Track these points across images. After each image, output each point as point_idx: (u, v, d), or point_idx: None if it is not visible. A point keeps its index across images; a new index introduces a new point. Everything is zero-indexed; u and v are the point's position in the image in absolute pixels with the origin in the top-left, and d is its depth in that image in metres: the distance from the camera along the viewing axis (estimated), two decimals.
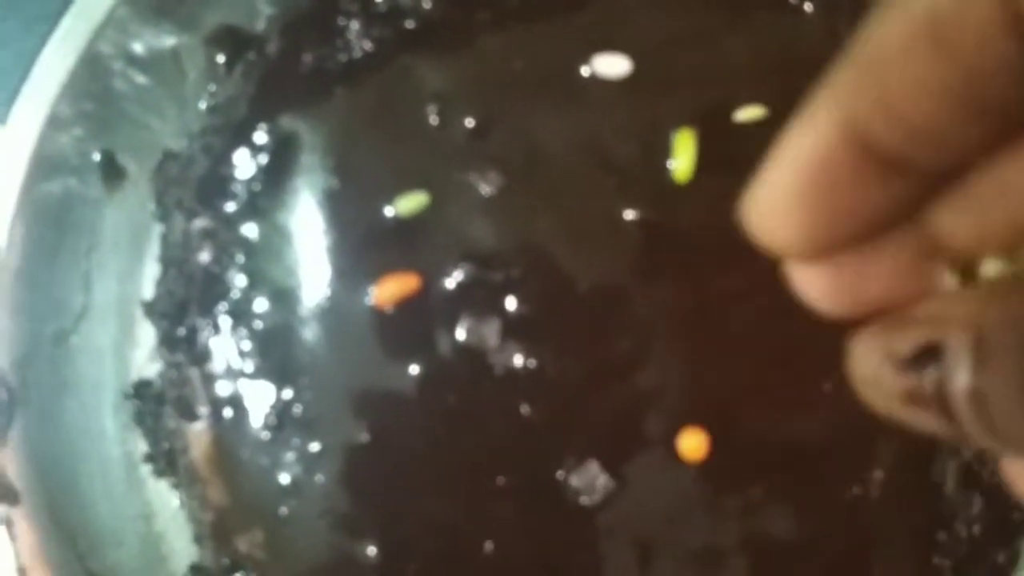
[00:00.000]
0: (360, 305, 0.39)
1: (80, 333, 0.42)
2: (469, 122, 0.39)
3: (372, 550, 0.38)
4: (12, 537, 0.38)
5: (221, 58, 0.42)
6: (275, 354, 0.40)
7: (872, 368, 0.17)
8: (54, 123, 0.40)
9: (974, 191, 0.16)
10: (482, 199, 0.39)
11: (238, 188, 0.41)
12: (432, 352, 0.38)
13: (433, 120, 0.40)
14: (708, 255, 0.38)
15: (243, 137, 0.41)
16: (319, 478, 0.39)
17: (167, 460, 0.42)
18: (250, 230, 0.40)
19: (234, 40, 0.42)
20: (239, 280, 0.40)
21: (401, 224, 0.39)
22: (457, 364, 0.38)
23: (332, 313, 0.39)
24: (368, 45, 0.41)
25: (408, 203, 0.39)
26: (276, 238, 0.40)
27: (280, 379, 0.40)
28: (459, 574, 0.39)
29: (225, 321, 0.40)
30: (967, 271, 0.17)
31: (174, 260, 0.42)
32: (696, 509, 0.38)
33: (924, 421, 0.16)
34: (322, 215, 0.40)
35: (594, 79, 0.39)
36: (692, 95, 0.39)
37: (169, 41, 0.42)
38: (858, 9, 0.39)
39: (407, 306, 0.39)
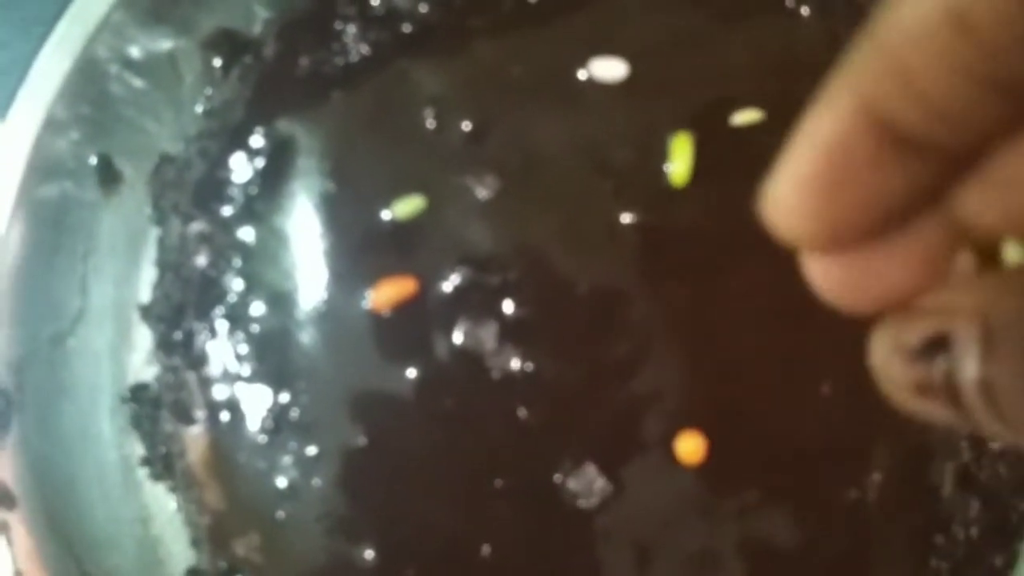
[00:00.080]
0: (357, 309, 0.39)
1: (77, 337, 0.42)
2: (466, 126, 0.39)
3: (370, 553, 0.38)
4: (9, 541, 0.38)
5: (217, 62, 0.42)
6: (272, 358, 0.40)
7: (883, 360, 0.16)
8: (51, 127, 0.40)
9: (997, 171, 0.16)
10: (479, 203, 0.39)
11: (235, 192, 0.41)
12: (429, 355, 0.38)
13: (430, 124, 0.40)
14: (705, 258, 0.38)
15: (240, 141, 0.41)
16: (316, 482, 0.39)
17: (164, 464, 0.42)
18: (247, 234, 0.40)
19: (230, 44, 0.42)
20: (236, 284, 0.40)
21: (398, 228, 0.39)
22: (454, 367, 0.38)
23: (329, 317, 0.39)
24: (365, 49, 0.41)
25: (405, 207, 0.39)
26: (273, 242, 0.40)
27: (277, 383, 0.40)
28: None
29: (222, 325, 0.40)
30: (988, 255, 0.17)
31: (171, 264, 0.42)
32: (693, 512, 0.38)
33: (935, 412, 0.16)
34: (319, 219, 0.40)
35: (591, 83, 0.39)
36: (689, 99, 0.39)
37: (165, 45, 0.42)
38: (855, 13, 0.39)
39: (404, 309, 0.39)
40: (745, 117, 0.38)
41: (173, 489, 0.42)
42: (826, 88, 0.16)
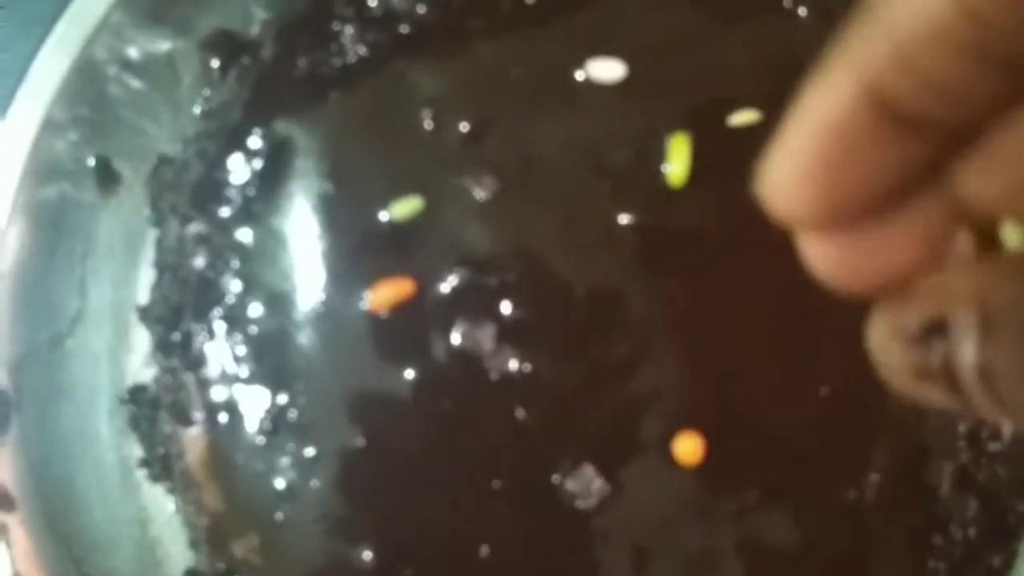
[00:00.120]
0: (355, 310, 0.39)
1: (75, 338, 0.42)
2: (464, 127, 0.39)
3: (368, 554, 0.38)
4: (7, 543, 0.38)
5: (216, 63, 0.42)
6: (270, 359, 0.40)
7: (881, 344, 0.16)
8: (49, 128, 0.40)
9: (996, 149, 0.16)
10: (477, 204, 0.39)
11: (233, 193, 0.41)
12: (427, 357, 0.39)
13: (428, 125, 0.40)
14: (703, 259, 0.39)
15: (238, 142, 0.41)
16: (314, 483, 0.39)
17: (162, 465, 0.42)
18: (245, 235, 0.40)
19: (229, 45, 0.42)
20: (234, 285, 0.40)
21: (396, 229, 0.39)
22: (452, 368, 0.38)
23: (327, 318, 0.39)
24: (362, 50, 0.41)
25: (403, 208, 0.39)
26: (271, 243, 0.40)
27: (275, 384, 0.40)
28: None
29: (220, 326, 0.40)
30: (986, 236, 0.17)
31: (169, 265, 0.42)
32: (692, 513, 0.38)
33: (934, 396, 0.16)
34: (317, 220, 0.40)
35: (588, 83, 0.39)
36: (686, 99, 0.39)
37: (164, 46, 0.42)
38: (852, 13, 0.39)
39: (402, 311, 0.39)
40: (743, 118, 0.38)
41: (171, 490, 0.42)
42: (823, 67, 0.16)
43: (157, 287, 0.42)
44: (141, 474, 0.42)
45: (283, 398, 0.39)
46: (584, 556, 0.38)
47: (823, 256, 0.17)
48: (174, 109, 0.42)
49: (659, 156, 0.38)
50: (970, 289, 0.15)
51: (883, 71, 0.15)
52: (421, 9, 0.41)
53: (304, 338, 0.40)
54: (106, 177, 0.42)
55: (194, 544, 0.41)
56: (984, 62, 0.14)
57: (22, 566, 0.38)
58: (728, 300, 0.38)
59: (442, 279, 0.39)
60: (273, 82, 0.41)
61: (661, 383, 0.38)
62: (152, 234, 0.43)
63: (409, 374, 0.39)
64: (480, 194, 0.39)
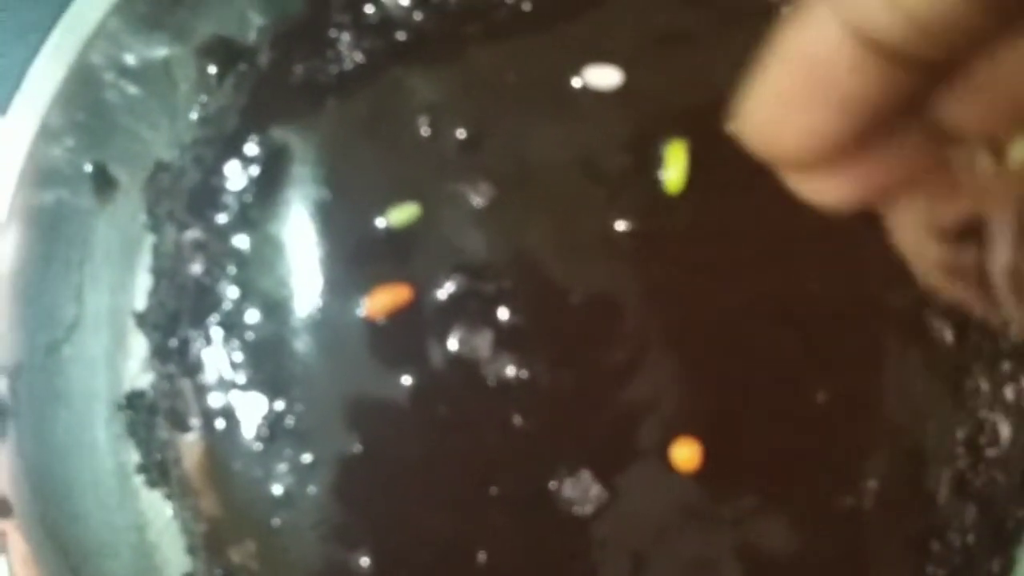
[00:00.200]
0: (352, 316, 0.39)
1: (72, 344, 0.42)
2: (460, 133, 0.39)
3: (365, 561, 0.38)
4: (4, 549, 0.38)
5: (212, 69, 0.42)
6: (267, 365, 0.40)
7: (915, 238, 0.16)
8: (46, 134, 0.40)
9: (978, 79, 0.16)
10: (474, 210, 0.39)
11: (229, 199, 0.41)
12: (424, 363, 0.38)
13: (424, 131, 0.40)
14: (700, 266, 0.38)
15: (234, 148, 0.41)
16: (312, 489, 0.39)
17: (160, 471, 0.42)
18: (241, 241, 0.40)
19: (225, 51, 0.42)
20: (231, 292, 0.40)
21: (393, 235, 0.39)
22: (449, 375, 0.38)
23: (324, 324, 0.39)
24: (359, 57, 0.41)
25: (400, 214, 0.39)
26: (268, 250, 0.40)
27: (272, 390, 0.40)
28: None
29: (217, 332, 0.40)
30: (996, 154, 0.17)
31: (166, 271, 0.42)
32: (689, 519, 0.38)
33: (962, 293, 0.16)
34: (314, 226, 0.40)
35: (585, 90, 0.39)
36: (683, 106, 0.39)
37: (160, 52, 0.42)
38: None
39: (399, 317, 0.39)
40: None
41: (169, 496, 0.42)
42: (803, 4, 0.16)
43: (154, 293, 0.42)
44: (139, 480, 0.42)
45: (280, 404, 0.39)
46: (582, 562, 0.38)
47: (811, 184, 0.17)
48: (171, 115, 0.42)
49: (656, 163, 0.38)
50: (1009, 191, 0.15)
51: (866, 8, 0.15)
52: (418, 16, 0.40)
53: (301, 344, 0.40)
54: (103, 183, 0.42)
55: (192, 550, 0.41)
56: None
57: (20, 572, 0.38)
58: (725, 306, 0.38)
59: (439, 286, 0.39)
60: (270, 89, 0.41)
61: (658, 389, 0.38)
62: (149, 240, 0.43)
63: (406, 380, 0.39)
64: (477, 201, 0.39)
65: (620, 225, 0.38)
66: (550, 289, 0.38)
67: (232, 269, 0.40)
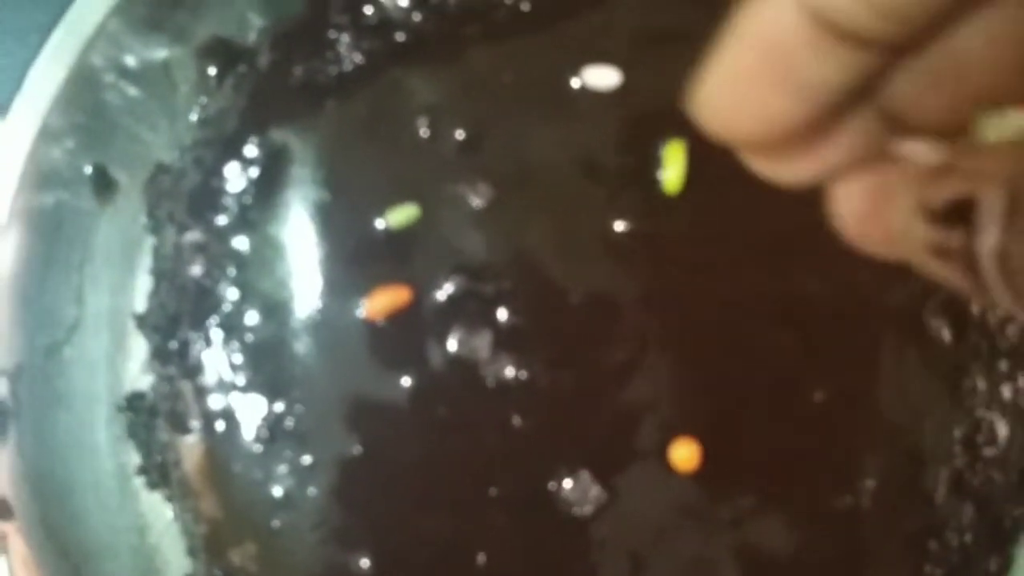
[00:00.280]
0: (351, 318, 0.39)
1: (73, 346, 0.42)
2: (459, 134, 0.39)
3: (365, 562, 0.38)
4: (4, 551, 0.38)
5: (212, 70, 0.42)
6: (267, 367, 0.40)
7: (905, 217, 0.16)
8: (46, 135, 0.40)
9: (932, 63, 0.16)
10: (473, 211, 0.39)
11: (229, 201, 0.41)
12: (424, 364, 0.39)
13: (424, 132, 0.40)
14: (699, 266, 0.39)
15: (234, 150, 0.41)
16: (312, 491, 0.39)
17: (160, 473, 0.42)
18: (241, 243, 0.41)
19: (225, 52, 0.42)
20: (231, 293, 0.40)
21: (392, 236, 0.39)
22: (449, 376, 0.38)
23: (324, 326, 0.39)
24: (359, 58, 0.41)
25: (399, 215, 0.39)
26: (267, 251, 0.40)
27: (272, 392, 0.40)
28: None
29: (217, 334, 0.40)
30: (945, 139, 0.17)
31: (166, 273, 0.42)
32: (688, 520, 0.38)
33: (949, 275, 0.16)
34: (313, 228, 0.40)
35: (584, 91, 0.39)
36: (682, 106, 0.39)
37: (161, 53, 0.42)
38: None
39: (399, 318, 0.39)
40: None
41: (169, 498, 0.42)
42: None
43: (154, 295, 0.42)
44: (139, 482, 0.42)
45: (280, 406, 0.39)
46: (581, 563, 0.38)
47: (767, 163, 0.17)
48: (171, 117, 0.42)
49: (655, 163, 0.38)
50: (1001, 170, 0.15)
51: None
52: (417, 17, 0.41)
53: (301, 346, 0.40)
54: (103, 185, 0.42)
55: (192, 552, 0.41)
56: None
57: (20, 574, 0.38)
58: (723, 307, 0.38)
59: (438, 287, 0.39)
60: (269, 90, 0.41)
61: (657, 390, 0.38)
62: (149, 242, 0.43)
63: (406, 382, 0.39)
64: (476, 202, 0.39)
65: (619, 225, 0.39)
66: (549, 290, 0.39)
67: (232, 271, 0.40)
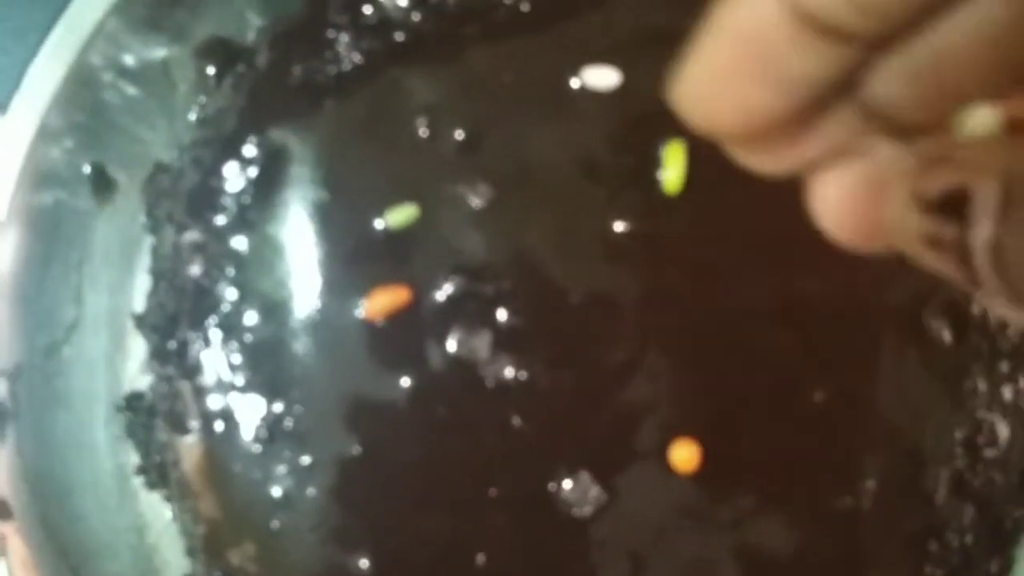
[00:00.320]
0: (351, 318, 0.39)
1: (72, 345, 0.42)
2: (459, 134, 0.39)
3: (364, 563, 0.38)
4: (4, 552, 0.38)
5: (211, 70, 0.42)
6: (266, 367, 0.40)
7: (899, 206, 0.16)
8: (45, 134, 0.40)
9: (911, 58, 0.16)
10: (472, 211, 0.39)
11: (228, 201, 0.41)
12: (423, 364, 0.39)
13: (423, 132, 0.40)
14: (699, 266, 0.38)
15: (233, 150, 0.41)
16: (311, 491, 0.39)
17: (159, 473, 0.42)
18: (240, 243, 0.40)
19: (224, 52, 0.42)
20: (229, 293, 0.40)
21: (391, 237, 0.39)
22: (448, 376, 0.38)
23: (323, 326, 0.39)
24: (358, 58, 0.41)
25: (398, 216, 0.39)
26: (266, 251, 0.40)
27: (271, 392, 0.40)
28: None
29: (216, 334, 0.40)
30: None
31: (165, 273, 0.42)
32: (688, 520, 0.38)
33: (941, 265, 0.16)
34: (312, 228, 0.40)
35: (583, 91, 0.39)
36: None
37: (159, 53, 0.41)
38: None
39: (398, 319, 0.39)
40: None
41: (168, 498, 0.42)
42: None
43: (153, 295, 0.42)
44: (138, 482, 0.42)
45: (279, 406, 0.39)
46: (581, 564, 0.38)
47: (743, 154, 0.18)
48: (170, 116, 0.42)
49: (655, 163, 0.38)
50: (997, 163, 0.15)
51: None
52: (416, 17, 0.40)
53: (300, 346, 0.40)
54: (102, 184, 0.42)
55: (191, 552, 0.41)
56: None
57: (19, 574, 0.38)
58: (723, 307, 0.38)
59: (438, 287, 0.39)
60: (268, 90, 0.41)
61: (657, 390, 0.38)
62: (148, 241, 0.43)
63: (405, 382, 0.39)
64: (475, 202, 0.39)
65: (619, 226, 0.38)
66: (549, 290, 0.38)
67: (231, 271, 0.40)
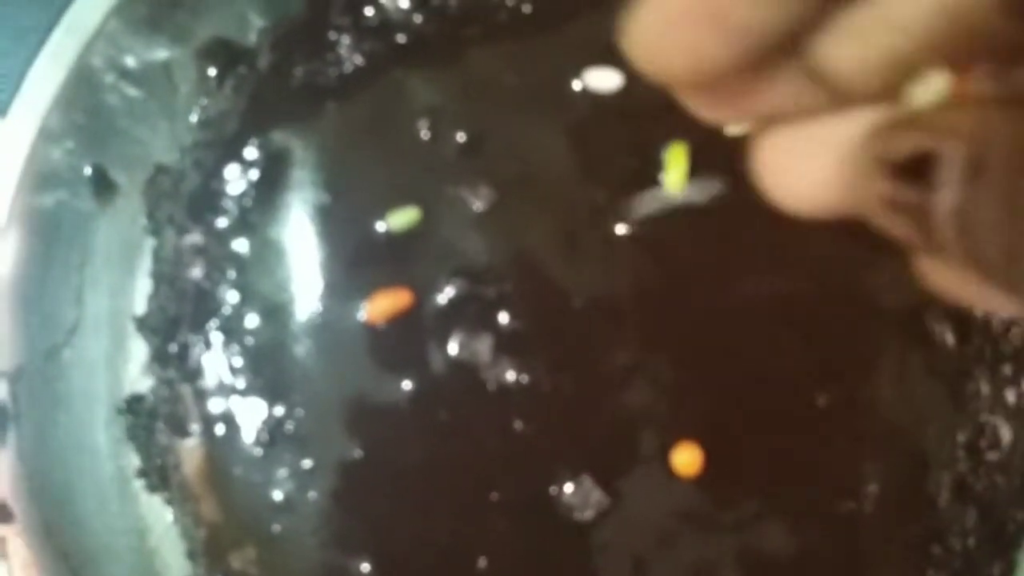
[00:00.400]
0: (352, 321, 0.39)
1: (72, 348, 0.42)
2: (460, 137, 0.39)
3: (366, 566, 0.38)
4: (4, 555, 0.38)
5: (212, 71, 0.42)
6: (267, 370, 0.40)
7: (864, 165, 0.16)
8: (46, 136, 0.40)
9: (861, 20, 0.16)
10: (474, 214, 0.39)
11: (229, 203, 0.41)
12: (425, 368, 0.38)
13: (424, 135, 0.40)
14: (700, 269, 0.38)
15: (234, 152, 0.41)
16: (312, 495, 0.39)
17: (160, 476, 0.42)
18: (241, 246, 0.40)
19: (226, 53, 0.42)
20: (231, 296, 0.40)
21: (393, 239, 0.39)
22: (450, 380, 0.38)
23: (324, 329, 0.39)
24: (359, 59, 0.41)
25: (400, 218, 0.39)
26: (267, 254, 0.40)
27: (272, 395, 0.39)
28: None
29: (217, 337, 0.40)
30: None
31: (165, 275, 0.42)
32: (690, 524, 0.38)
33: (898, 228, 0.16)
34: (313, 230, 0.40)
35: (586, 93, 0.39)
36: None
37: (161, 54, 0.41)
38: None
39: (399, 322, 0.39)
40: (741, 127, 0.38)
41: (169, 501, 0.42)
42: None
43: (154, 297, 0.42)
44: (139, 484, 0.42)
45: (280, 410, 0.39)
46: (583, 568, 0.38)
47: (694, 102, 0.18)
48: (171, 118, 0.42)
49: (657, 165, 0.38)
50: (965, 128, 0.15)
51: None
52: (418, 19, 0.40)
53: (301, 349, 0.39)
54: (103, 186, 0.42)
55: (192, 555, 0.41)
56: None
57: None
58: (726, 310, 0.38)
59: (439, 290, 0.39)
60: (270, 92, 0.41)
61: (659, 394, 0.38)
62: (149, 244, 0.43)
63: (406, 385, 0.39)
64: (477, 204, 0.39)
65: (620, 228, 0.38)
66: (551, 293, 0.38)
67: (232, 273, 0.40)
